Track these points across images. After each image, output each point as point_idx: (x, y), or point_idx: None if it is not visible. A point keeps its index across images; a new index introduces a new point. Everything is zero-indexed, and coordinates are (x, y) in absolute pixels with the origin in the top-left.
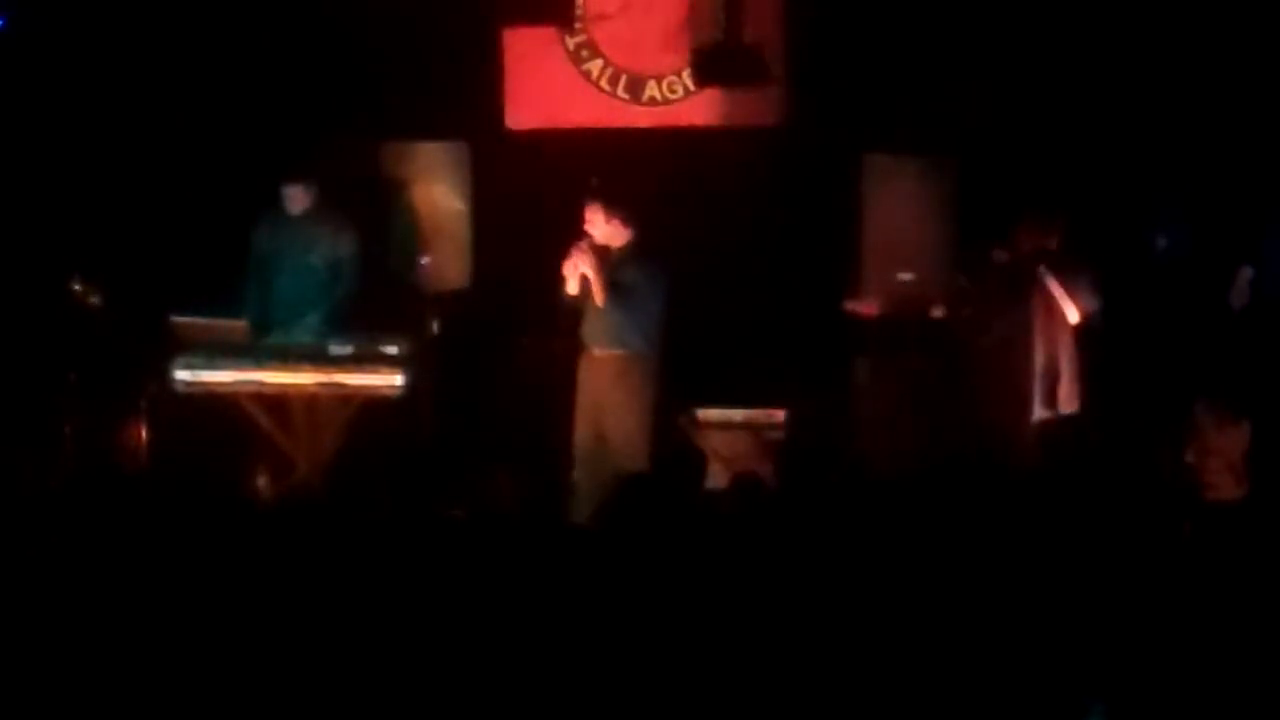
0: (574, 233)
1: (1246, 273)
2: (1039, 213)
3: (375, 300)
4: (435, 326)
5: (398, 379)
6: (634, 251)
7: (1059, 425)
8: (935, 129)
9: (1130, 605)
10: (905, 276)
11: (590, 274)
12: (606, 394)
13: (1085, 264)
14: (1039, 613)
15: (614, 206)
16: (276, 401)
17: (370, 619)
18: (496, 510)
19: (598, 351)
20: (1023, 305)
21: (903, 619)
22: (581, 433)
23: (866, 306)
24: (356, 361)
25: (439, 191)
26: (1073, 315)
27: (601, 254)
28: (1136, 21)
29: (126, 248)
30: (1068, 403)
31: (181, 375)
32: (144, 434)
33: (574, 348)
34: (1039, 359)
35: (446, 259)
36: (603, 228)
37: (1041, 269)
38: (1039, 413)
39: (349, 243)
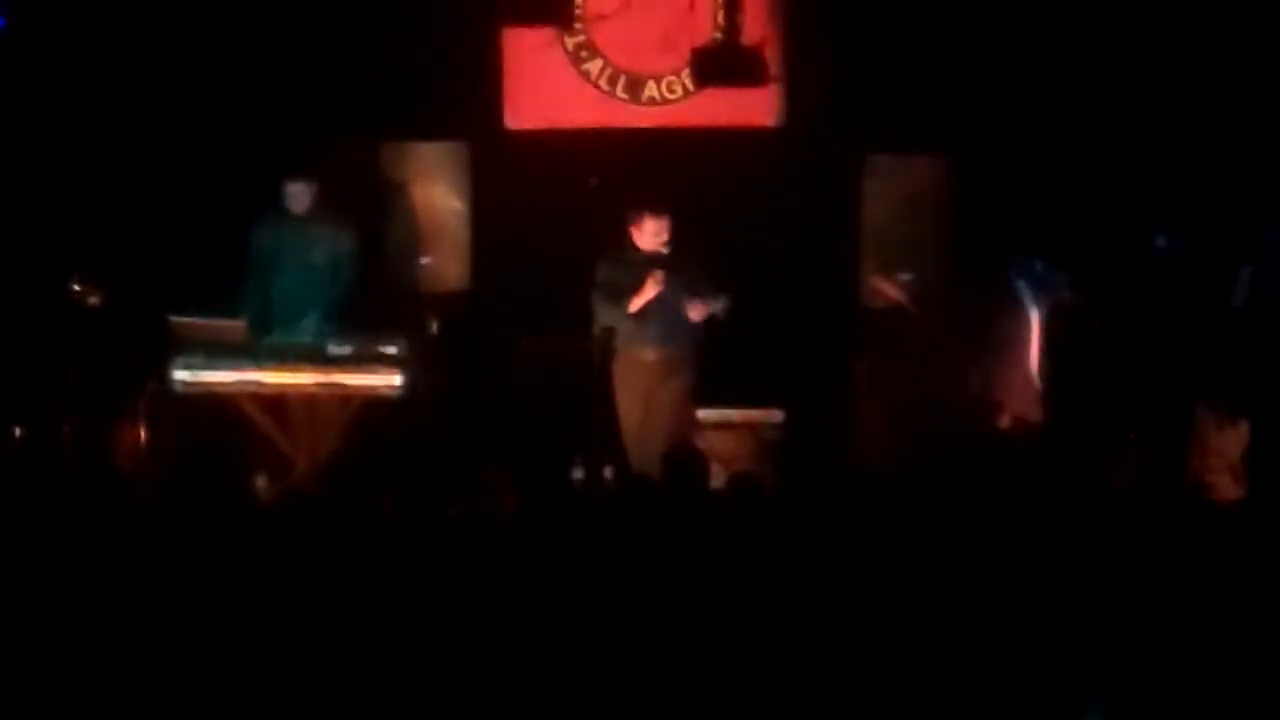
0: (572, 233)
1: (1246, 273)
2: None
3: (375, 300)
4: (435, 326)
5: (397, 379)
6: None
7: None
8: (934, 129)
9: (1130, 605)
10: (904, 276)
11: None
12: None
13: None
14: (1039, 612)
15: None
16: (276, 401)
17: (369, 618)
18: (495, 510)
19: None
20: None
21: (902, 618)
22: None
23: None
24: (356, 361)
25: (438, 191)
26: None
27: None
28: (1136, 21)
29: (126, 248)
30: None
31: (181, 375)
32: (144, 434)
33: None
34: None
35: (446, 259)
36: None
37: None
38: None
39: (348, 241)
